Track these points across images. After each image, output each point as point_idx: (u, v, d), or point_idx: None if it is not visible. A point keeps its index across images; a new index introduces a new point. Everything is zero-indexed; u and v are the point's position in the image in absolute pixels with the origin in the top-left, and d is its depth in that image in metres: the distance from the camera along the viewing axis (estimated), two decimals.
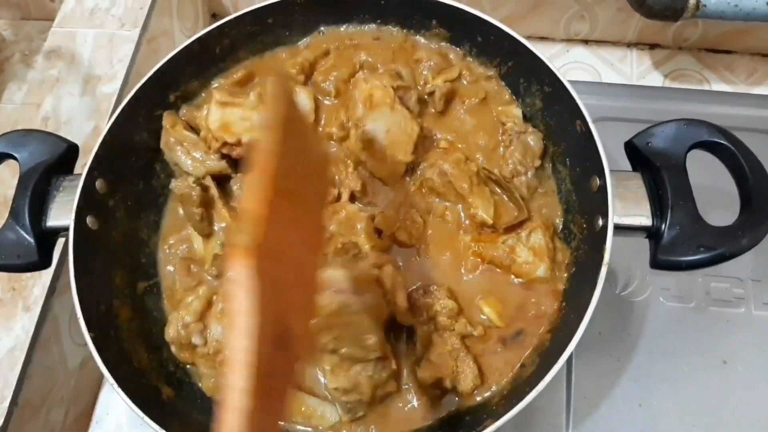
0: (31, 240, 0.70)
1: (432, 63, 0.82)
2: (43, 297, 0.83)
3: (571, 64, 1.15)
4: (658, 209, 0.66)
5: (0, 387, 0.78)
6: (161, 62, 0.79)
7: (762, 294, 0.88)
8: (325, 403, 0.69)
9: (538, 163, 0.78)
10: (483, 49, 0.82)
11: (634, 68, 1.14)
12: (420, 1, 0.82)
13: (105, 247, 0.75)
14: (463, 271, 0.75)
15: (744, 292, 0.88)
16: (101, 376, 0.96)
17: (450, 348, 0.69)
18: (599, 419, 0.83)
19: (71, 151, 0.76)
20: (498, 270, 0.74)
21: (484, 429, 0.61)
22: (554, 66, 0.74)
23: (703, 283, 0.89)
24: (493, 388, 0.70)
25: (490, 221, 0.74)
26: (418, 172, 0.78)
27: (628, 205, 0.67)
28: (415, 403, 0.70)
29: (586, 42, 1.17)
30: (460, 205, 0.77)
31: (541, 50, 0.75)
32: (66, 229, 0.70)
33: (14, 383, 0.79)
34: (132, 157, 0.80)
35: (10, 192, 0.73)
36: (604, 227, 0.65)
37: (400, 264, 0.75)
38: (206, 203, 0.77)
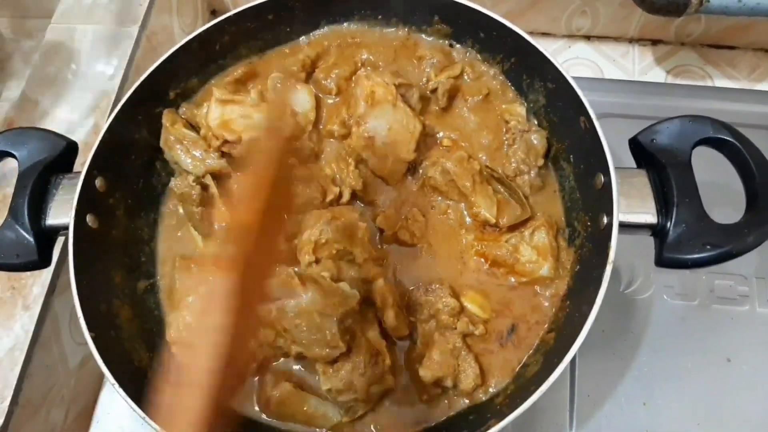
0: (31, 239, 0.69)
1: (435, 60, 0.82)
2: (42, 296, 0.83)
3: (572, 60, 1.14)
4: (663, 207, 0.65)
5: (0, 387, 0.78)
6: (161, 59, 0.78)
7: (766, 292, 0.88)
8: (327, 403, 0.69)
9: (541, 162, 0.77)
10: (485, 45, 0.82)
11: (636, 64, 1.13)
12: None
13: (105, 246, 0.74)
14: (461, 268, 0.75)
15: (748, 290, 0.88)
16: (102, 376, 0.96)
17: (451, 347, 0.69)
18: (603, 418, 0.82)
19: (70, 149, 0.76)
20: (499, 269, 0.74)
21: (488, 429, 0.60)
22: (558, 62, 0.73)
23: (707, 281, 0.89)
24: (492, 388, 0.70)
25: (493, 220, 0.74)
26: (420, 171, 0.78)
27: (632, 203, 0.66)
28: (417, 401, 0.70)
29: (587, 38, 1.16)
30: (462, 204, 0.76)
31: (542, 46, 0.75)
32: (65, 227, 0.70)
33: (14, 383, 0.78)
34: (132, 155, 0.79)
35: (9, 190, 0.72)
36: (609, 225, 0.65)
37: (398, 265, 0.75)
38: (206, 202, 0.76)
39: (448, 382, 0.68)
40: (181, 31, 1.11)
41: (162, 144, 0.80)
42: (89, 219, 0.72)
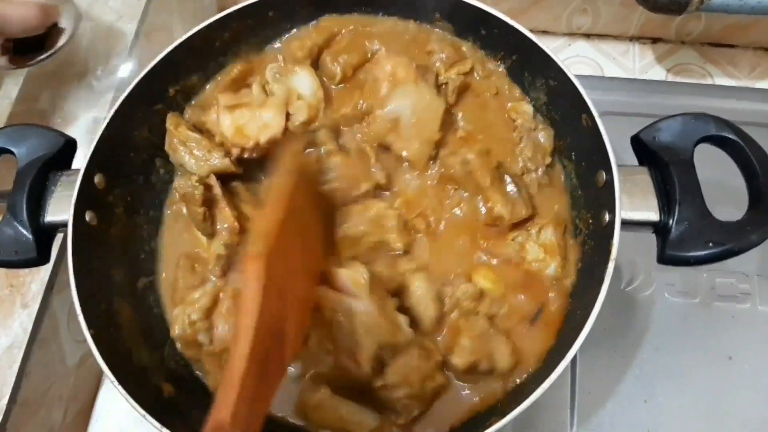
0: (29, 235, 0.69)
1: (444, 55, 0.80)
2: (41, 294, 0.83)
3: (573, 58, 1.14)
4: (665, 204, 0.65)
5: None
6: (161, 55, 0.77)
7: None
8: (364, 410, 0.67)
9: (548, 160, 0.76)
10: (487, 42, 0.81)
11: (637, 62, 1.13)
12: None
13: (104, 243, 0.74)
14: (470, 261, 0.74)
15: (749, 288, 0.88)
16: (101, 374, 0.95)
17: (479, 331, 0.68)
18: (604, 416, 0.82)
19: (69, 145, 0.75)
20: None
21: (489, 426, 0.60)
22: (559, 59, 0.73)
23: (709, 279, 0.89)
24: (531, 369, 0.69)
25: (508, 216, 0.72)
26: (439, 160, 0.76)
27: (635, 200, 0.66)
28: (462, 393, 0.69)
29: (588, 36, 1.16)
30: (478, 197, 0.75)
31: (543, 44, 0.74)
32: (64, 224, 0.69)
33: (13, 381, 0.78)
34: (131, 153, 0.79)
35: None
36: (611, 223, 0.65)
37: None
38: (209, 203, 0.75)
39: (484, 365, 0.67)
40: (180, 27, 1.11)
41: (167, 148, 0.79)
42: (88, 216, 0.71)
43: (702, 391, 0.83)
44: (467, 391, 0.69)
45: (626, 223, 0.65)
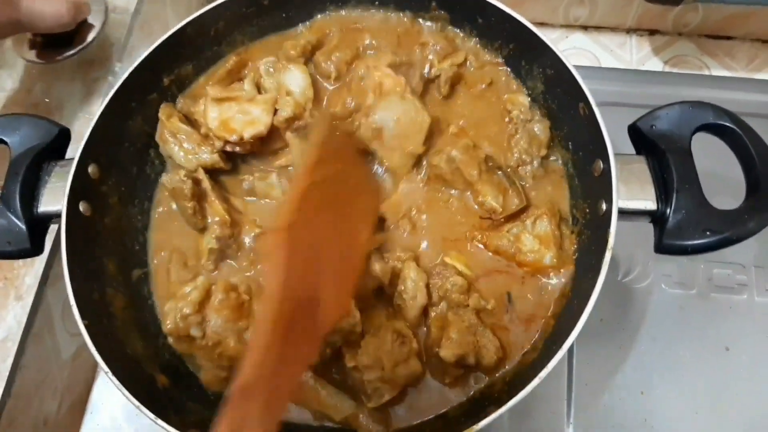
0: (23, 226, 0.69)
1: (438, 47, 0.80)
2: (35, 286, 0.82)
3: (570, 50, 1.14)
4: (663, 193, 0.65)
5: None
6: (155, 44, 0.77)
7: (764, 280, 0.88)
8: (341, 396, 0.68)
9: (544, 152, 0.76)
10: (484, 31, 0.81)
11: (634, 54, 1.13)
12: None
13: (98, 234, 0.73)
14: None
15: (746, 279, 0.88)
16: (95, 367, 0.95)
17: (467, 324, 0.68)
18: (601, 407, 0.82)
19: (63, 135, 0.75)
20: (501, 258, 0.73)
21: (486, 416, 0.60)
22: (557, 48, 0.72)
23: (706, 270, 0.88)
24: (513, 362, 0.69)
25: (500, 208, 0.73)
26: (425, 162, 0.76)
27: (632, 189, 0.66)
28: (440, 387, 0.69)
29: (585, 28, 1.16)
30: (468, 193, 0.75)
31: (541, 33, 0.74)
32: (58, 215, 0.69)
33: (7, 374, 0.78)
34: (126, 142, 0.78)
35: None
36: (608, 212, 0.64)
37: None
38: (199, 197, 0.75)
39: (471, 359, 0.67)
40: (174, 19, 1.10)
41: (157, 138, 0.79)
42: (82, 206, 0.71)
43: (699, 382, 0.83)
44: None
45: (623, 213, 0.64)
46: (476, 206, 0.75)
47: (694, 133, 0.66)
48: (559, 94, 0.75)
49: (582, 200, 0.72)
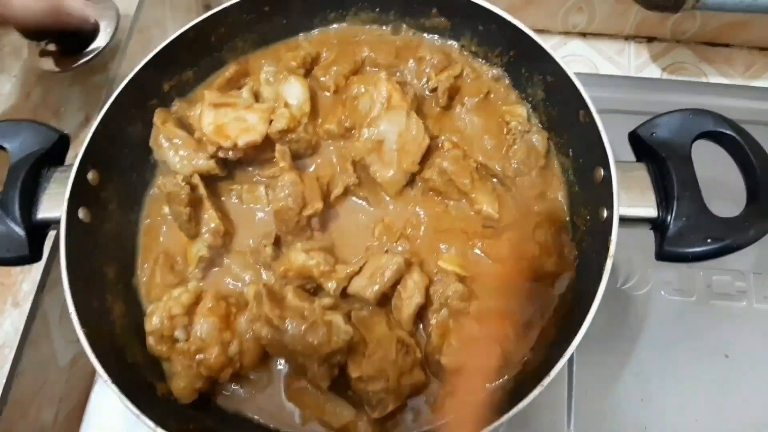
0: (22, 233, 0.68)
1: (435, 60, 0.81)
2: (33, 293, 0.82)
3: (568, 57, 1.14)
4: (663, 200, 0.65)
5: None
6: (156, 50, 0.77)
7: (763, 287, 0.88)
8: (342, 402, 0.68)
9: (542, 162, 0.76)
10: (484, 38, 0.81)
11: (632, 61, 1.13)
12: None
13: (97, 240, 0.73)
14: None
15: (745, 286, 0.88)
16: (93, 373, 0.94)
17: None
18: (601, 414, 0.82)
19: (62, 141, 0.75)
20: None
21: (489, 424, 0.60)
22: (557, 55, 0.73)
23: (705, 277, 0.89)
24: (514, 369, 0.69)
25: (496, 215, 0.73)
26: (418, 179, 0.77)
27: (633, 196, 0.66)
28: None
29: (583, 35, 1.16)
30: (464, 201, 0.75)
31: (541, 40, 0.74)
32: (57, 221, 0.68)
33: (4, 381, 0.77)
34: (125, 149, 0.78)
35: None
36: (609, 219, 0.64)
37: None
38: (194, 203, 0.74)
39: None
40: (174, 24, 1.10)
41: (151, 143, 0.78)
42: (81, 213, 0.70)
43: (699, 389, 0.83)
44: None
45: (624, 220, 0.65)
46: (473, 213, 0.75)
47: (694, 140, 0.67)
48: (559, 101, 0.76)
49: (583, 207, 0.72)
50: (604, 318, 0.85)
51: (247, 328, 0.68)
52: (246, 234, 0.77)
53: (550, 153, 0.78)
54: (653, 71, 1.12)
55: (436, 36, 0.86)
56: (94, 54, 0.92)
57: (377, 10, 0.85)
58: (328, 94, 0.82)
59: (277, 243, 0.74)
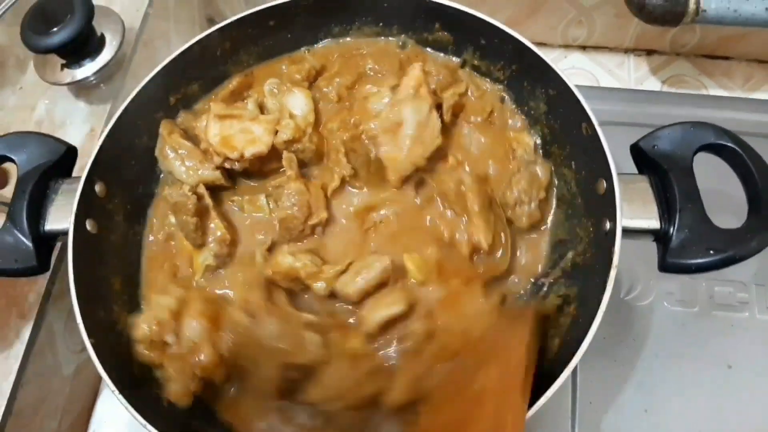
0: (29, 244, 0.69)
1: (440, 77, 0.81)
2: (38, 304, 0.82)
3: (568, 69, 1.15)
4: (666, 212, 0.66)
5: None
6: (162, 64, 0.78)
7: (765, 298, 0.88)
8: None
9: (543, 194, 0.76)
10: (486, 52, 0.82)
11: (632, 74, 1.14)
12: (423, 4, 0.81)
13: (104, 252, 0.73)
14: None
15: (747, 297, 0.88)
16: (96, 385, 0.95)
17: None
18: (605, 425, 0.82)
19: (70, 153, 0.75)
20: None
21: None
22: (559, 69, 0.73)
23: (707, 288, 0.89)
24: None
25: (486, 247, 0.72)
26: (428, 179, 0.77)
27: (635, 208, 0.66)
28: None
29: (583, 48, 1.17)
30: (463, 218, 0.75)
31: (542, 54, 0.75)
32: (64, 233, 0.69)
33: (9, 391, 0.77)
34: (132, 161, 0.79)
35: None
36: (612, 230, 0.65)
37: None
38: (200, 213, 0.75)
39: None
40: (177, 37, 1.11)
41: (157, 153, 0.79)
42: (89, 224, 0.71)
43: (702, 400, 0.83)
44: None
45: (627, 231, 0.65)
46: (465, 235, 0.74)
47: (695, 152, 0.67)
48: (561, 114, 0.76)
49: (585, 219, 0.72)
50: (608, 328, 0.86)
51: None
52: (248, 243, 0.77)
53: (551, 186, 0.78)
54: (653, 84, 1.13)
55: (440, 52, 0.87)
56: (99, 67, 0.93)
57: (380, 24, 0.86)
58: (331, 105, 0.83)
59: (271, 249, 0.75)
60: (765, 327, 0.86)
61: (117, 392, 0.62)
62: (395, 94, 0.76)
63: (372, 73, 0.85)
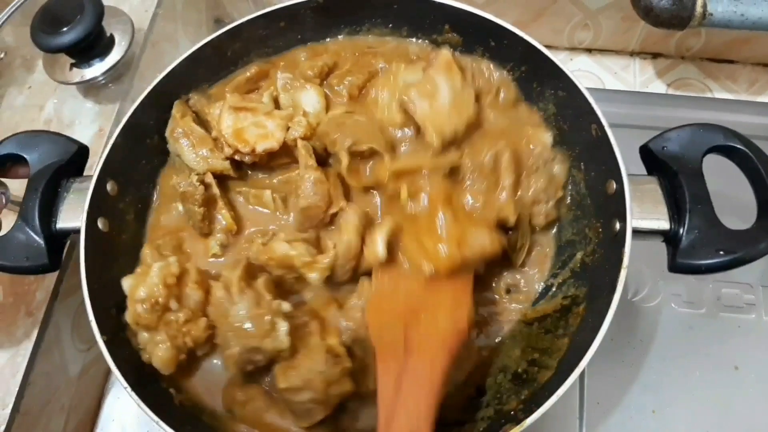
0: (41, 242, 0.69)
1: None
2: (46, 302, 0.82)
3: (575, 72, 1.14)
4: (675, 213, 0.66)
5: (1, 394, 0.77)
6: (173, 64, 0.78)
7: None
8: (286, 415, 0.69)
9: (560, 193, 0.76)
10: (495, 53, 0.82)
11: (638, 77, 1.15)
12: (432, 6, 0.81)
13: (114, 250, 0.74)
14: None
15: (754, 298, 0.88)
16: (103, 384, 0.95)
17: None
18: (612, 426, 0.82)
19: (81, 152, 0.76)
20: None
21: None
22: (569, 70, 0.74)
23: (714, 289, 0.89)
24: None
25: (512, 223, 0.73)
26: (468, 143, 0.76)
27: (645, 209, 0.67)
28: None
29: (589, 51, 1.18)
30: (484, 183, 0.74)
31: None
32: (76, 231, 0.69)
33: (17, 389, 0.77)
34: (143, 160, 0.79)
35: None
36: (622, 231, 0.65)
37: None
38: (208, 202, 0.76)
39: None
40: (185, 39, 1.12)
41: (168, 134, 0.79)
42: (100, 223, 0.71)
43: (709, 401, 0.83)
44: None
45: (637, 232, 0.65)
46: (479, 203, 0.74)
47: (705, 154, 0.68)
48: (570, 115, 0.76)
49: (595, 219, 0.73)
50: (615, 330, 0.86)
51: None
52: (251, 232, 0.78)
53: (567, 185, 0.78)
54: (658, 87, 1.13)
55: None
56: (108, 67, 0.94)
57: (390, 26, 0.86)
58: (342, 100, 0.83)
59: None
60: None
61: (129, 389, 0.62)
62: (427, 69, 0.76)
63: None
